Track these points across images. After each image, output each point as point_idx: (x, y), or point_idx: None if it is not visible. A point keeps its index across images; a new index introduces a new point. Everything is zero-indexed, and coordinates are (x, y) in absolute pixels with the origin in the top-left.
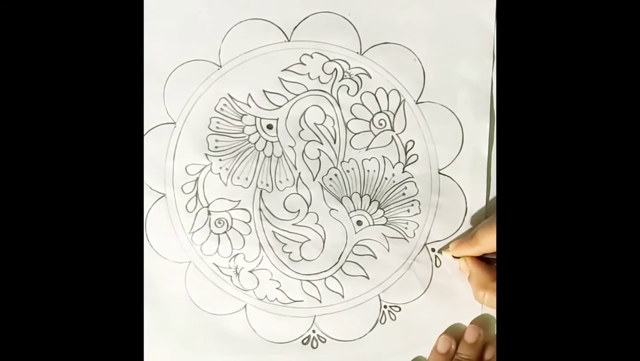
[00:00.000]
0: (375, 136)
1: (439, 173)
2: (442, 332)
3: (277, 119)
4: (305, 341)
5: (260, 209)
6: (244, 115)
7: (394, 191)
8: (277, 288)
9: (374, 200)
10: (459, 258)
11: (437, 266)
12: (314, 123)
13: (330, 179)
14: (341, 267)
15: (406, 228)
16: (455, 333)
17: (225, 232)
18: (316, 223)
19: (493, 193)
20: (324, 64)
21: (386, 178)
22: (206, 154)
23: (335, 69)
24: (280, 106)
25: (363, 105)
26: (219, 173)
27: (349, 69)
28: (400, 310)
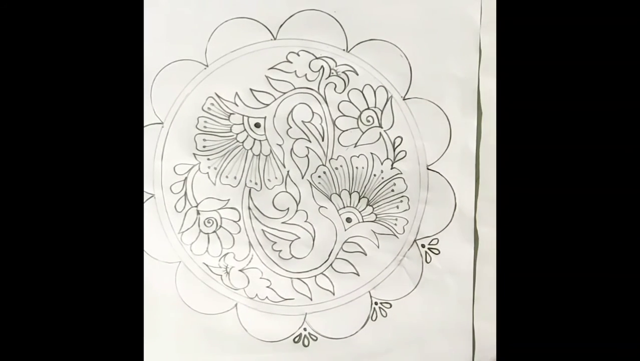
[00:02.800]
0: (363, 132)
1: (428, 169)
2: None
3: (265, 118)
4: (296, 340)
5: (249, 208)
6: (231, 114)
7: (382, 187)
8: (267, 287)
9: (363, 197)
10: None
11: (427, 262)
12: (302, 121)
13: (319, 176)
14: (331, 264)
15: (395, 225)
16: None
17: (214, 231)
18: (305, 221)
19: (482, 187)
20: (310, 61)
21: (375, 175)
22: (194, 154)
23: (322, 66)
24: (267, 105)
25: (350, 102)
26: (208, 173)
27: (336, 66)
28: (391, 306)
